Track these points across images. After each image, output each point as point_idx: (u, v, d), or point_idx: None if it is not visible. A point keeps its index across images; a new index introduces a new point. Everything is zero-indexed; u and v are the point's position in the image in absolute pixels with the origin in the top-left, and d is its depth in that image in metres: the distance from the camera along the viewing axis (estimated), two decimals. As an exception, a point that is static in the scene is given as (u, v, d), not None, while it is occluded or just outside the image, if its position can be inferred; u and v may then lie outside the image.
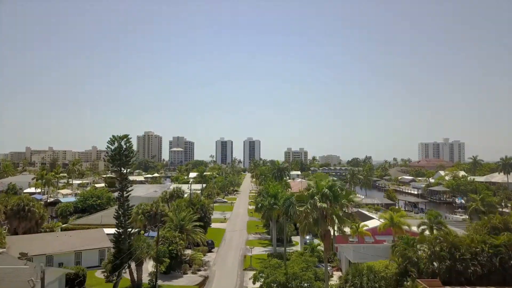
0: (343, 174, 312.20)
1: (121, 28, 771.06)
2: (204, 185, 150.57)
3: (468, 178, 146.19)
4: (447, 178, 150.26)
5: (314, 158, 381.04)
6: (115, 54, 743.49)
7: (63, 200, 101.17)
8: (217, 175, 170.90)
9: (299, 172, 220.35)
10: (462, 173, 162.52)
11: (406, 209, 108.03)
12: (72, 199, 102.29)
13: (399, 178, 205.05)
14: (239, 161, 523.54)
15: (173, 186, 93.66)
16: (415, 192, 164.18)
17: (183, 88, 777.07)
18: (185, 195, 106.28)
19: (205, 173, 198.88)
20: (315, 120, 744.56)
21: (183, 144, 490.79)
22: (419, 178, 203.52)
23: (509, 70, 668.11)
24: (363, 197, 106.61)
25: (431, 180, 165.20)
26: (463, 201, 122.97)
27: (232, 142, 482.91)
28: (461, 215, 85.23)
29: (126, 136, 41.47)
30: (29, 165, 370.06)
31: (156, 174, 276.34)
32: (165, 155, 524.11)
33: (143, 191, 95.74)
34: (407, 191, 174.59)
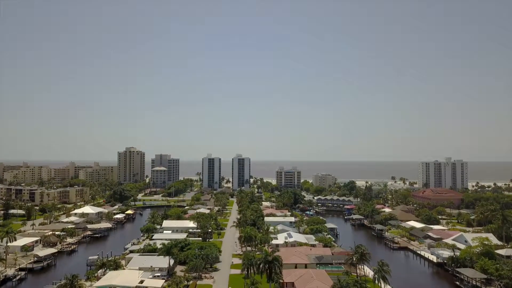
0: (340, 206, 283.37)
1: (105, 39, 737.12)
2: (172, 261, 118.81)
3: (505, 252, 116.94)
4: (477, 250, 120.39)
5: (310, 187, 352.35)
6: (98, 66, 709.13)
7: None
8: (191, 241, 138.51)
9: (292, 219, 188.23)
10: (492, 238, 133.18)
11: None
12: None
13: (409, 228, 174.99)
14: (228, 181, 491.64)
15: None
16: (435, 260, 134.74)
17: (170, 102, 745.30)
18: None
19: (177, 237, 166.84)
20: (313, 126, 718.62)
21: (167, 163, 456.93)
22: (430, 227, 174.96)
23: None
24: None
25: (459, 246, 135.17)
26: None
27: (220, 159, 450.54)
28: None
29: None
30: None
31: (129, 211, 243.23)
32: (149, 172, 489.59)
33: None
34: (422, 254, 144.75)
